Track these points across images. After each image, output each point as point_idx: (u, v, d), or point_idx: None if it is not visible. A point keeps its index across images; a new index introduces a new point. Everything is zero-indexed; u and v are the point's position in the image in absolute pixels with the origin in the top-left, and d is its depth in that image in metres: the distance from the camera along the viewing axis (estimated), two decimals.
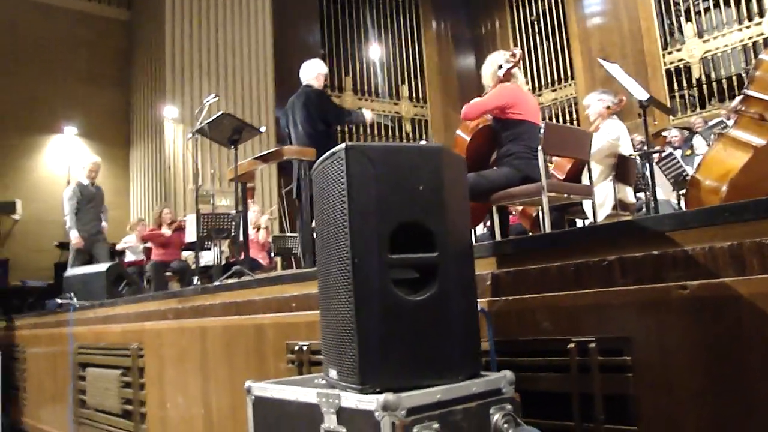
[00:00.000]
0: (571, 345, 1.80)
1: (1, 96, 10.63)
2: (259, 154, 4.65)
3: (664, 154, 6.79)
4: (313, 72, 5.54)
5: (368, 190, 1.60)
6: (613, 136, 5.14)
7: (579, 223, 5.56)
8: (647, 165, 5.23)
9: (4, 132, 10.66)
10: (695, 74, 11.51)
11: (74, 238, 7.22)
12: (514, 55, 4.16)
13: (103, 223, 7.54)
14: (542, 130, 3.90)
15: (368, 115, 5.65)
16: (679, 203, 6.46)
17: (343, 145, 1.62)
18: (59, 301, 6.12)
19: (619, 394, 1.72)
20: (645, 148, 5.56)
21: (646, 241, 1.71)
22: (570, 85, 13.21)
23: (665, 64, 11.81)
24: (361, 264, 1.58)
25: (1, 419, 6.64)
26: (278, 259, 8.45)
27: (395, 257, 1.61)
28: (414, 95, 14.27)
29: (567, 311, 1.84)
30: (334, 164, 1.65)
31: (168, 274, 7.58)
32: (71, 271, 6.29)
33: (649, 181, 4.80)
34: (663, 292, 1.64)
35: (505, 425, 1.68)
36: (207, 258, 7.07)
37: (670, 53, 11.81)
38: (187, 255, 7.84)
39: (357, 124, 5.54)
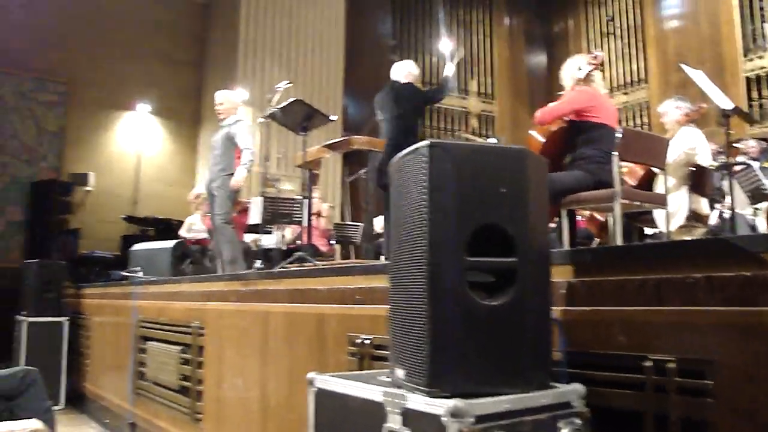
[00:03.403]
0: (648, 363, 1.73)
1: (83, 73, 10.95)
2: (329, 142, 4.67)
3: (740, 166, 6.53)
4: (403, 71, 5.70)
5: (449, 190, 1.56)
6: (689, 145, 4.97)
7: (648, 231, 5.41)
8: (725, 176, 5.05)
9: (83, 107, 10.98)
10: None
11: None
12: (595, 57, 4.08)
13: (239, 170, 5.75)
14: (619, 135, 3.79)
15: (449, 70, 5.82)
16: (754, 217, 6.21)
17: (426, 142, 1.59)
18: (124, 273, 6.28)
19: (696, 418, 1.64)
20: (723, 158, 5.36)
21: (736, 261, 1.62)
22: (642, 89, 12.83)
23: (745, 71, 11.35)
24: (438, 264, 1.55)
25: (65, 382, 6.87)
26: (337, 247, 8.47)
27: (473, 260, 1.57)
28: (482, 91, 14.10)
29: (645, 327, 1.76)
30: (416, 161, 1.62)
31: None
32: (137, 246, 6.44)
33: (728, 193, 4.62)
34: (754, 316, 1.55)
35: None
36: (268, 241, 7.14)
37: (750, 60, 11.33)
38: (249, 237, 7.91)
39: (438, 99, 5.75)
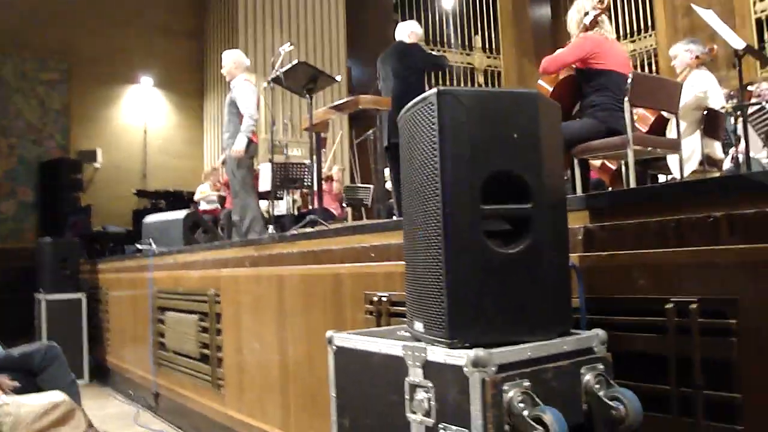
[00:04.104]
0: (670, 305, 1.70)
1: (84, 49, 10.88)
2: (335, 104, 4.62)
3: (754, 108, 6.41)
4: (406, 30, 5.74)
5: (461, 137, 1.53)
6: (701, 89, 4.89)
7: (662, 178, 5.35)
8: (738, 119, 4.96)
9: (86, 83, 10.95)
10: None
11: None
12: (601, 2, 3.97)
13: (238, 137, 5.44)
14: (630, 80, 3.72)
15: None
16: None
17: (434, 90, 1.55)
18: (138, 246, 6.30)
19: (721, 359, 1.62)
20: (736, 101, 5.27)
21: (757, 198, 1.58)
22: (650, 35, 12.60)
23: (755, 12, 11.10)
24: (453, 214, 1.52)
25: (87, 358, 6.96)
26: (349, 210, 8.48)
27: (488, 208, 1.54)
28: (487, 46, 13.92)
29: (666, 269, 1.73)
30: (425, 110, 1.58)
31: None
32: (149, 218, 6.45)
33: (742, 136, 4.55)
34: None
35: (597, 386, 1.62)
36: (279, 207, 7.14)
37: (761, 1, 11.09)
38: (261, 205, 7.92)
39: (444, 67, 6.03)
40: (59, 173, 10.22)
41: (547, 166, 1.60)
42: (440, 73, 13.04)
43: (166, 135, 11.80)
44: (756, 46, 11.02)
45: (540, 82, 4.12)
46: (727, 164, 5.96)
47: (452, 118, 1.53)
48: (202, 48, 12.14)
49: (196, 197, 8.70)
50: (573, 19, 4.14)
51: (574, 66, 4.03)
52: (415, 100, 1.63)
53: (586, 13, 4.03)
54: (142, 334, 5.69)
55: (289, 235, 3.57)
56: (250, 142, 5.42)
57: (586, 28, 4.03)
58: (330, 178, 7.95)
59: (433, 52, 5.92)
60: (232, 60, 5.76)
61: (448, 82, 13.26)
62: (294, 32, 10.81)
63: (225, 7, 11.27)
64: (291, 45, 5.16)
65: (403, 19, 5.98)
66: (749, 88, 8.78)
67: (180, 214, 5.83)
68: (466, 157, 1.52)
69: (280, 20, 10.85)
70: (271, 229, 4.89)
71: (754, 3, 11.13)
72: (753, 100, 7.88)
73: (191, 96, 12.07)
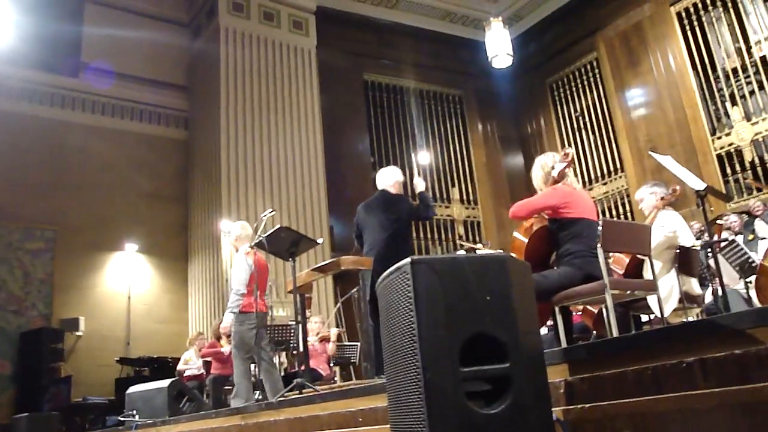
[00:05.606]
0: None
1: (70, 218, 11.08)
2: (318, 265, 4.71)
3: (726, 242, 6.59)
4: (391, 179, 5.67)
5: (436, 304, 1.60)
6: (669, 229, 5.04)
7: (644, 318, 5.39)
8: (710, 254, 5.10)
9: (71, 252, 11.03)
10: (747, 157, 11.32)
11: None
12: (566, 155, 4.17)
13: (224, 316, 5.84)
14: (600, 228, 3.86)
15: (421, 185, 5.83)
16: (747, 291, 6.22)
17: (408, 260, 1.63)
18: (120, 418, 6.12)
19: None
20: (705, 236, 5.43)
21: (725, 341, 1.64)
22: (620, 177, 13.11)
23: (715, 149, 11.66)
24: (433, 378, 1.55)
25: None
26: (336, 369, 8.35)
27: (467, 370, 1.58)
28: (465, 197, 14.35)
29: (649, 417, 1.75)
30: (400, 278, 1.66)
31: (227, 387, 7.54)
32: (133, 388, 6.32)
33: (715, 271, 4.66)
34: (752, 393, 1.55)
35: None
36: None
37: (719, 138, 11.66)
38: None
39: (429, 218, 5.81)
40: (40, 343, 10.04)
41: (521, 325, 1.66)
42: (422, 225, 13.31)
43: (150, 300, 11.77)
44: (721, 181, 11.48)
45: (515, 234, 4.25)
46: (708, 297, 6.04)
47: (427, 285, 1.60)
48: (186, 212, 12.37)
49: (179, 367, 8.55)
50: (538, 176, 4.33)
51: (546, 217, 4.17)
52: (390, 270, 1.71)
53: (553, 167, 4.23)
54: None
55: (276, 402, 3.52)
56: (240, 314, 5.50)
57: (555, 181, 4.21)
58: (327, 339, 7.89)
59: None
60: (234, 234, 5.89)
61: (429, 234, 13.53)
62: (276, 195, 11.13)
63: (208, 172, 11.62)
64: (273, 211, 5.33)
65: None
66: (719, 221, 9.08)
67: (164, 383, 5.73)
68: (442, 322, 1.58)
69: (262, 184, 11.18)
70: (257, 394, 4.80)
71: (713, 141, 11.69)
72: (724, 233, 8.13)
73: (176, 260, 12.15)
